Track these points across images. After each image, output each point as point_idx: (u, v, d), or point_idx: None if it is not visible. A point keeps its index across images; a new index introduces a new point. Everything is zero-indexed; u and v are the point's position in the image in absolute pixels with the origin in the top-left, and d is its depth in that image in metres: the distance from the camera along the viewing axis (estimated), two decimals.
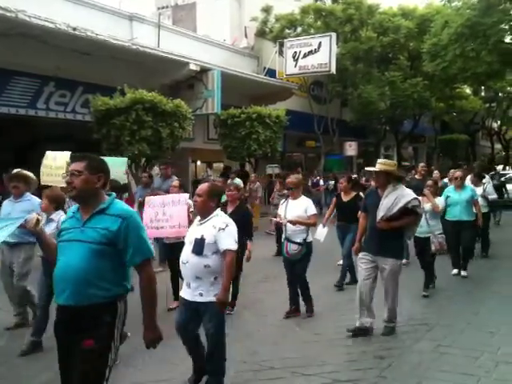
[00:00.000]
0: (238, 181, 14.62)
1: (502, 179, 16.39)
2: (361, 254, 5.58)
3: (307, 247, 6.11)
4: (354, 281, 7.26)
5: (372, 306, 5.52)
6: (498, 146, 42.55)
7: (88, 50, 13.03)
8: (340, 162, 24.33)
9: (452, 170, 11.34)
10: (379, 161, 5.63)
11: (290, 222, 6.06)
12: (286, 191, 10.12)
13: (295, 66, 20.37)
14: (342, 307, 6.57)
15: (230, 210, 6.21)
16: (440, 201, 7.65)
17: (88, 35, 12.20)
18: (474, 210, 8.50)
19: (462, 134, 34.42)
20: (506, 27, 18.54)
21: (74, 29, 11.88)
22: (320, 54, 19.78)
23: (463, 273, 8.26)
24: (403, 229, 5.50)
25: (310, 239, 6.16)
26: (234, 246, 3.98)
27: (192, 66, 15.55)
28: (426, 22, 23.12)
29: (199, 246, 3.93)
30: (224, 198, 6.36)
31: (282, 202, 6.52)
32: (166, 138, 12.39)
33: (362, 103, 22.61)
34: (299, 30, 21.91)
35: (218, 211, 4.13)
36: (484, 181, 10.36)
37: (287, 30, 21.65)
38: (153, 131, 12.04)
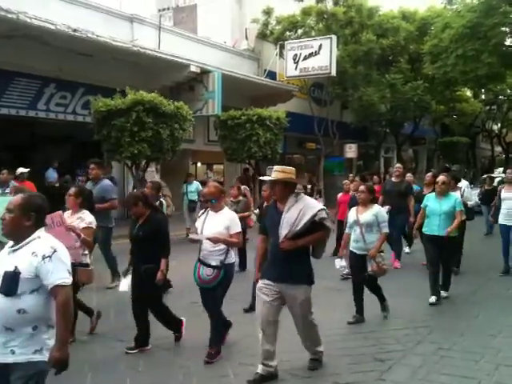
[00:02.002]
0: (195, 184, 13.37)
1: (495, 183, 14.14)
2: (261, 283, 4.53)
3: (226, 271, 4.94)
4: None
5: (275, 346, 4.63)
6: (498, 149, 42.55)
7: (88, 52, 13.06)
8: (340, 164, 24.34)
9: (428, 174, 10.05)
10: (276, 168, 4.52)
11: (209, 239, 4.86)
12: (241, 198, 8.93)
13: (296, 68, 20.37)
14: (342, 309, 6.55)
15: (139, 222, 5.19)
16: (377, 211, 6.12)
17: (88, 36, 12.22)
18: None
19: (463, 137, 34.41)
20: (507, 30, 18.58)
21: (75, 30, 11.90)
22: (320, 56, 19.78)
23: (443, 293, 7.00)
24: (313, 247, 4.59)
25: (230, 260, 5.04)
26: (67, 280, 2.85)
27: (192, 68, 15.58)
28: (427, 25, 23.15)
29: (11, 283, 2.77)
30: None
31: (200, 213, 5.30)
32: (167, 139, 12.39)
33: (363, 105, 22.61)
34: (300, 31, 21.91)
35: (40, 232, 2.96)
36: (460, 185, 9.12)
37: (288, 33, 21.66)
38: (153, 132, 12.05)
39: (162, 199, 7.47)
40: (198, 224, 5.14)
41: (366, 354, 5.09)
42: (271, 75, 20.75)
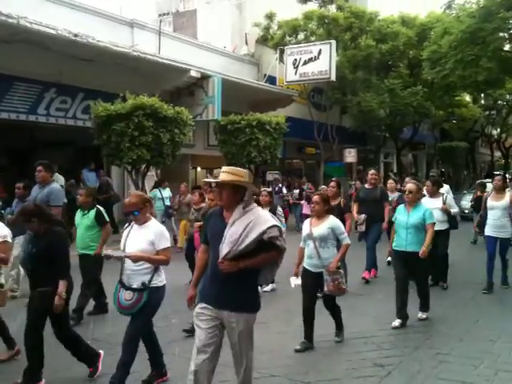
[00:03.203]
0: (168, 190, 13.28)
1: (488, 189, 11.77)
2: (198, 307, 3.77)
3: (150, 295, 4.22)
4: None
5: None
6: (497, 154, 42.63)
7: (89, 56, 13.08)
8: (340, 169, 24.38)
9: (407, 179, 9.46)
10: (224, 168, 3.81)
11: (128, 257, 4.21)
12: (203, 205, 7.94)
13: (295, 73, 20.43)
14: (342, 313, 6.56)
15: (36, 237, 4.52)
16: (332, 223, 5.48)
17: (89, 41, 12.25)
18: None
19: (462, 142, 34.50)
20: (506, 35, 18.65)
21: (75, 35, 11.93)
22: (320, 61, 19.85)
23: (420, 314, 6.36)
24: (260, 269, 3.77)
25: (158, 283, 4.32)
26: None
27: (193, 73, 15.62)
28: (426, 30, 23.25)
29: None
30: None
31: (125, 226, 4.61)
32: (167, 143, 12.41)
33: (362, 110, 22.67)
34: (302, 35, 22.01)
35: None
36: (442, 190, 8.48)
37: (288, 38, 21.75)
38: (153, 137, 12.07)
39: (99, 206, 6.70)
40: (122, 240, 4.43)
41: (366, 359, 5.10)
42: (271, 80, 20.81)
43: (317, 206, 5.52)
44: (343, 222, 6.73)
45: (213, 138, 17.71)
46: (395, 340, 5.62)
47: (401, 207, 6.52)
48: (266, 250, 3.63)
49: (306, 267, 5.52)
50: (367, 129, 25.19)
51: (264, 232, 3.57)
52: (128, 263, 4.27)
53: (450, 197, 8.30)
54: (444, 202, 7.95)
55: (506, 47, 19.48)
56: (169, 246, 4.39)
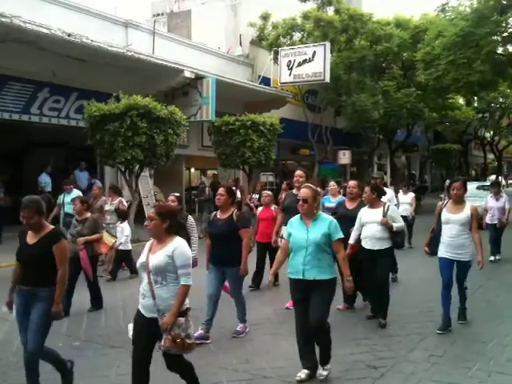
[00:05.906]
0: (75, 193, 10.49)
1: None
2: None
3: None
4: None
5: None
6: (490, 156, 42.86)
7: (83, 56, 13.04)
8: (334, 171, 24.43)
9: (332, 183, 8.10)
10: None
11: None
12: (88, 214, 7.13)
13: (290, 75, 20.45)
14: (335, 316, 6.55)
15: None
16: (173, 249, 3.81)
17: (83, 41, 12.20)
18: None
19: (455, 144, 34.65)
20: (499, 38, 18.77)
21: (69, 35, 11.88)
22: (314, 62, 19.87)
23: (321, 371, 4.61)
24: None
25: None
26: None
27: (187, 74, 15.59)
28: (420, 32, 23.34)
29: None
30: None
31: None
32: (160, 144, 12.38)
33: (356, 111, 22.72)
34: (298, 35, 22.03)
35: None
36: (385, 198, 6.67)
37: (282, 39, 21.78)
38: (147, 137, 12.03)
39: None
40: None
41: (359, 361, 5.09)
42: (265, 81, 20.81)
43: (152, 223, 3.86)
44: (239, 240, 5.60)
45: (207, 138, 17.70)
46: (388, 342, 5.62)
47: (295, 220, 4.79)
48: None
49: (139, 308, 3.93)
50: (361, 130, 25.27)
51: None
52: None
53: (392, 207, 6.55)
54: (384, 215, 6.17)
55: (499, 50, 19.61)
56: None
